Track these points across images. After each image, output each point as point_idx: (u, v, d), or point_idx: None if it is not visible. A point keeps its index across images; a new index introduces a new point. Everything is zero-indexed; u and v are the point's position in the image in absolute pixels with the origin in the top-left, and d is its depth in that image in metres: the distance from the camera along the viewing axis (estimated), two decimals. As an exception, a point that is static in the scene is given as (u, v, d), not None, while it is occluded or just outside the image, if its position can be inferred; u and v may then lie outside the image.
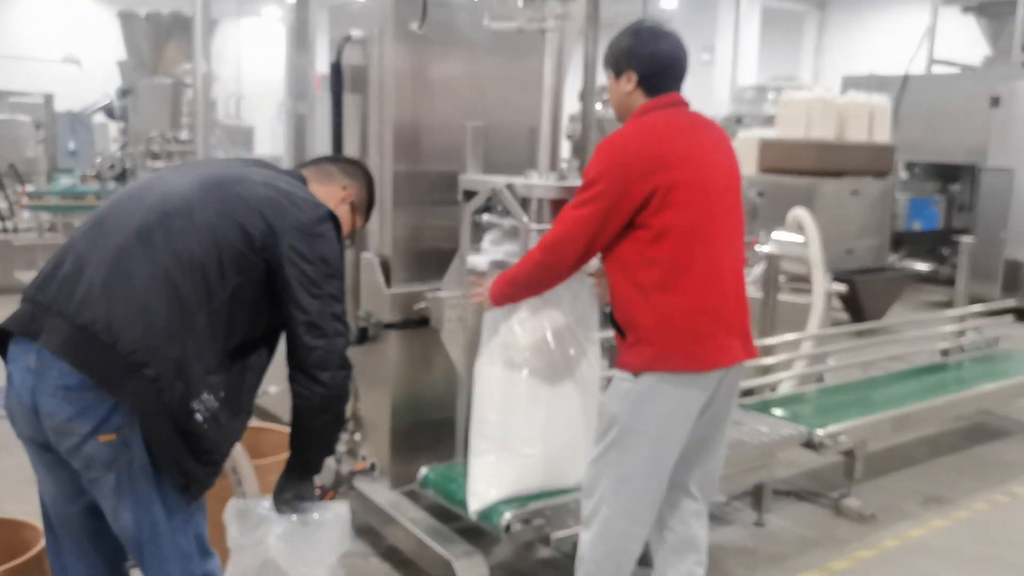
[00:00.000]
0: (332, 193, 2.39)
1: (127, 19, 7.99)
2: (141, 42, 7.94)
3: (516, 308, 2.84)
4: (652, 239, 2.47)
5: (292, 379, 2.12)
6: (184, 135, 7.36)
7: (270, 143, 14.66)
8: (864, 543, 3.73)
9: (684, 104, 2.67)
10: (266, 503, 2.31)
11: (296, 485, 2.23)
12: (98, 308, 1.89)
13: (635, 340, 2.52)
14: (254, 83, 13.93)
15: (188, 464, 1.93)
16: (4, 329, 1.99)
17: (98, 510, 2.04)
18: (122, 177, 7.74)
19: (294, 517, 2.22)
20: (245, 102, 12.55)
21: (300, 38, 4.37)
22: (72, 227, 7.89)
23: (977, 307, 5.70)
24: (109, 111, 8.55)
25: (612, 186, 2.47)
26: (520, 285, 2.70)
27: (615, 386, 2.60)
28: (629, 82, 2.61)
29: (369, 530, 3.51)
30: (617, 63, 2.63)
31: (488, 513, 2.90)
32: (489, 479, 2.90)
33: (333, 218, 2.20)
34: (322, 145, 4.69)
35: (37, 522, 2.30)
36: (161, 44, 7.85)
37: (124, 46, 8.25)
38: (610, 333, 2.75)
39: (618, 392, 2.57)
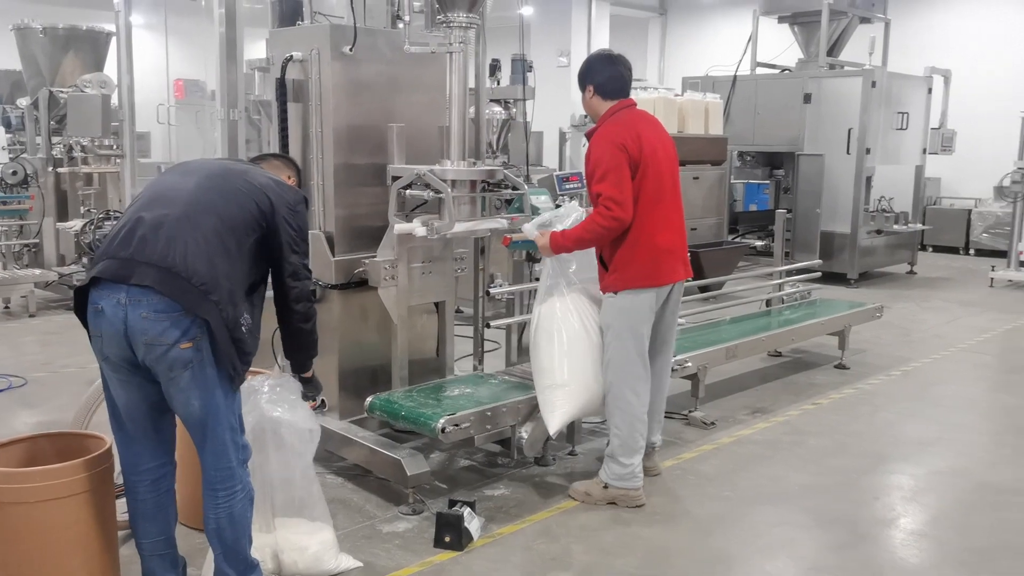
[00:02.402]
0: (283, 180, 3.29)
1: (23, 33, 8.28)
2: (38, 55, 8.25)
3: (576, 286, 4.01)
4: None
5: (280, 310, 3.08)
6: (85, 142, 7.83)
7: (163, 148, 14.91)
8: (705, 441, 4.86)
9: (635, 105, 3.97)
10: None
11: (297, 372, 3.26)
12: (176, 255, 2.69)
13: (612, 270, 3.87)
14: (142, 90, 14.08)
15: (236, 362, 2.78)
16: (95, 277, 2.74)
17: (161, 407, 2.83)
18: (25, 183, 8.07)
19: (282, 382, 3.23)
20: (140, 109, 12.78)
21: (230, 53, 5.08)
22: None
23: (786, 267, 7.02)
24: (6, 121, 8.79)
25: (616, 157, 3.73)
26: (585, 242, 3.83)
27: (605, 305, 3.93)
28: (590, 92, 3.92)
29: (324, 457, 4.34)
30: (582, 81, 3.96)
31: (426, 423, 3.81)
32: (556, 410, 3.92)
33: (305, 199, 3.16)
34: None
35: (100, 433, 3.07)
36: (58, 57, 8.20)
37: (20, 59, 8.53)
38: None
39: (606, 308, 3.92)
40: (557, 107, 14.98)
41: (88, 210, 7.77)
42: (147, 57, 14.66)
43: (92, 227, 6.94)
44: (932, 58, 12.10)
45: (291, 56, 4.14)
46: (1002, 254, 11.06)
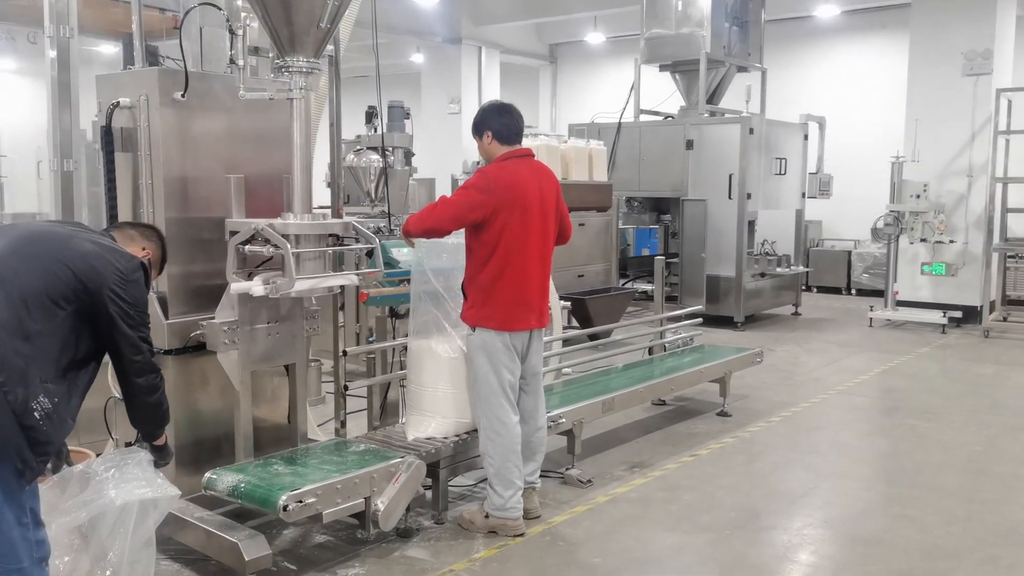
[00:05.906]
0: (134, 252, 3.03)
1: None
2: None
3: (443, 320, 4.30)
4: (490, 246, 4.00)
5: (121, 382, 2.87)
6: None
7: (27, 200, 13.98)
8: (580, 501, 4.65)
9: (529, 155, 4.21)
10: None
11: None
12: None
13: (469, 305, 4.11)
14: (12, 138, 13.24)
15: (25, 454, 2.44)
16: None
17: None
18: None
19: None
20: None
21: (63, 98, 4.71)
22: None
23: (667, 314, 6.96)
24: None
25: (479, 189, 3.98)
26: (419, 222, 4.05)
27: (468, 338, 4.17)
28: (488, 138, 4.14)
29: (159, 539, 3.92)
30: (479, 128, 4.18)
31: (265, 500, 3.48)
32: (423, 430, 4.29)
33: (144, 267, 2.91)
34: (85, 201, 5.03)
35: None
36: None
37: None
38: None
39: (468, 341, 4.17)
40: (449, 154, 14.89)
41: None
42: (22, 104, 13.90)
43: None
44: (807, 106, 12.53)
45: (117, 102, 3.81)
46: (881, 293, 11.40)
